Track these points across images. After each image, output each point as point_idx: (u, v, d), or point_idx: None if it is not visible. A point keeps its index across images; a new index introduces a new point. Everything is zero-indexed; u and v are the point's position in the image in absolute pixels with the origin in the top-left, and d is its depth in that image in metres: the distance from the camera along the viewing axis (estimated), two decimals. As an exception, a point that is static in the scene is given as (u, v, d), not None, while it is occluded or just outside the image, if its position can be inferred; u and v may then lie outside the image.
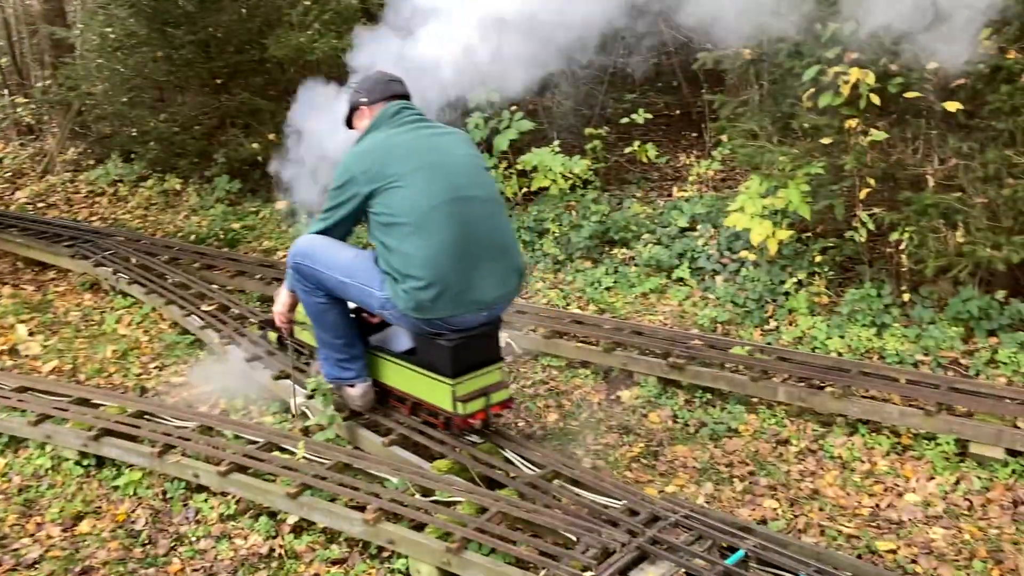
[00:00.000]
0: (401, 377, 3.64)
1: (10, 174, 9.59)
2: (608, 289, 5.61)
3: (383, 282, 3.33)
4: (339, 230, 3.48)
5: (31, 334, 5.27)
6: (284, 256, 6.58)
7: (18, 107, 10.86)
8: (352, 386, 3.72)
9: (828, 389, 4.01)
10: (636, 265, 5.77)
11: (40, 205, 8.43)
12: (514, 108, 6.54)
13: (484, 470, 3.37)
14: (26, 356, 5.02)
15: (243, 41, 7.87)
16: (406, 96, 3.54)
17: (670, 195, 7.01)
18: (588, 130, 6.95)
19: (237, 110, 8.09)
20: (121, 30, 8.35)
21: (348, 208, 3.35)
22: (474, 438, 3.61)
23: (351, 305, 3.67)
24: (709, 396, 4.32)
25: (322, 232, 3.49)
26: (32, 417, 3.97)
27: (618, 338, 4.63)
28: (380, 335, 3.81)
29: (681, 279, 5.57)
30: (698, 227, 5.86)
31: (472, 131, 6.52)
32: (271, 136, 7.51)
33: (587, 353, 4.67)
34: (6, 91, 11.34)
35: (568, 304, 5.51)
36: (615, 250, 5.98)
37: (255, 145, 7.70)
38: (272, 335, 4.52)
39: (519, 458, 3.48)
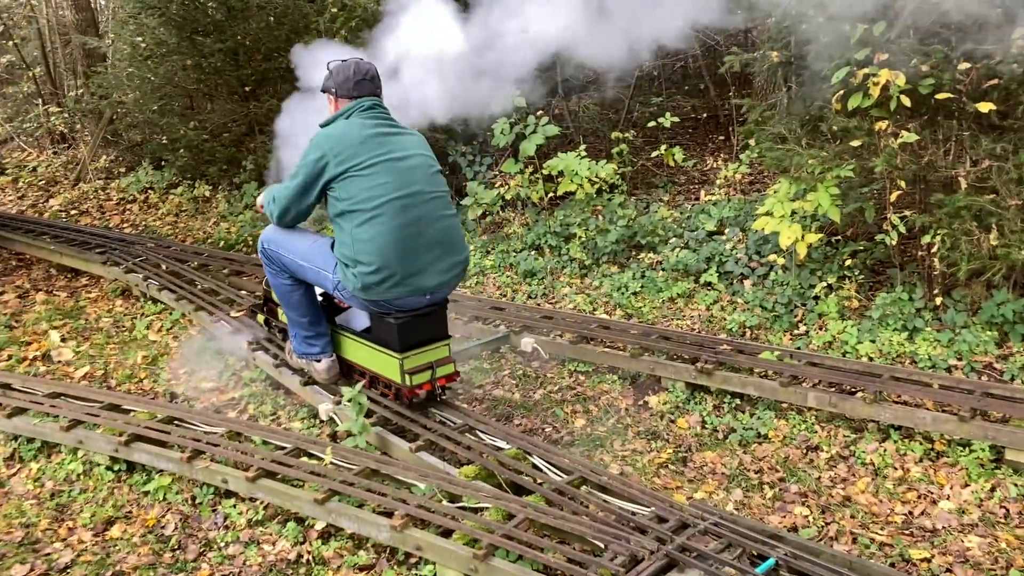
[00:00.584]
0: (360, 353, 4.04)
1: (44, 182, 9.75)
2: (635, 294, 5.58)
3: (336, 266, 3.73)
4: (298, 200, 3.74)
5: (63, 340, 5.33)
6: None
7: (52, 116, 11.03)
8: (318, 360, 4.14)
9: (859, 394, 3.96)
10: (663, 269, 5.74)
11: (73, 212, 8.55)
12: (540, 113, 6.54)
13: (511, 476, 3.36)
14: (59, 362, 5.08)
15: (271, 49, 7.93)
16: (376, 93, 3.81)
17: (697, 199, 6.97)
18: (614, 134, 6.93)
19: (265, 117, 8.15)
20: (151, 39, 8.45)
21: (312, 179, 3.65)
22: (502, 444, 3.61)
23: (319, 289, 4.05)
24: (738, 401, 4.28)
25: (284, 200, 3.78)
26: (64, 422, 4.01)
27: (646, 343, 4.60)
28: (344, 315, 4.22)
29: (709, 283, 5.53)
30: (726, 231, 5.81)
31: (498, 136, 6.52)
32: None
33: (614, 358, 4.64)
34: (40, 100, 11.52)
35: (595, 309, 5.49)
36: (642, 254, 5.95)
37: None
38: (260, 317, 4.83)
39: (546, 464, 3.47)
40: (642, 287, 5.62)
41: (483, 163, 7.07)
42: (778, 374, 4.17)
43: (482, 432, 3.76)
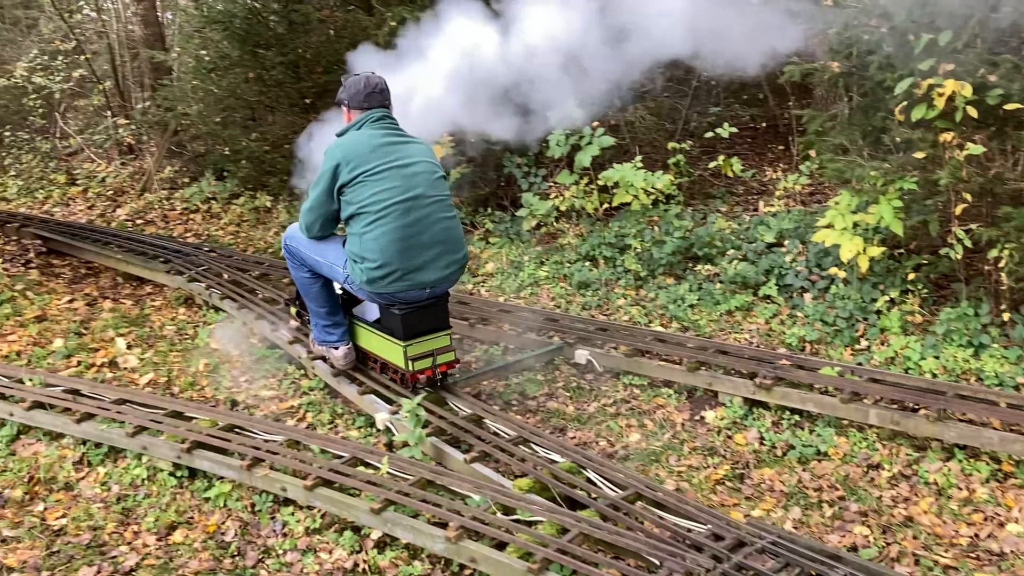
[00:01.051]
0: (372, 341, 4.44)
1: (112, 192, 10.03)
2: (692, 306, 5.53)
3: (346, 262, 4.12)
4: (323, 208, 4.13)
5: (129, 347, 5.48)
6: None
7: (120, 128, 11.33)
8: (336, 348, 4.56)
9: (922, 412, 3.87)
10: (721, 282, 5.68)
11: (139, 222, 8.78)
12: (595, 124, 6.53)
13: (565, 490, 3.36)
14: (124, 368, 5.22)
15: (331, 62, 8.05)
16: (386, 105, 4.18)
17: (756, 210, 6.89)
18: (671, 144, 6.89)
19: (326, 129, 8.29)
20: (215, 52, 8.65)
21: (329, 186, 4.04)
22: (556, 457, 3.61)
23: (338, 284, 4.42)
24: (797, 418, 4.21)
25: (311, 210, 4.18)
26: (130, 428, 4.12)
27: (702, 357, 4.56)
28: (359, 307, 4.55)
29: (768, 296, 5.46)
30: (785, 243, 5.74)
31: (553, 148, 6.53)
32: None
33: (670, 372, 4.61)
34: (109, 113, 11.86)
35: (650, 321, 5.45)
36: (699, 266, 5.89)
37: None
38: (292, 310, 5.17)
39: (601, 478, 3.46)
40: (699, 299, 5.57)
41: (538, 174, 7.09)
42: (839, 390, 4.10)
43: (536, 444, 3.77)
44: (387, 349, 4.30)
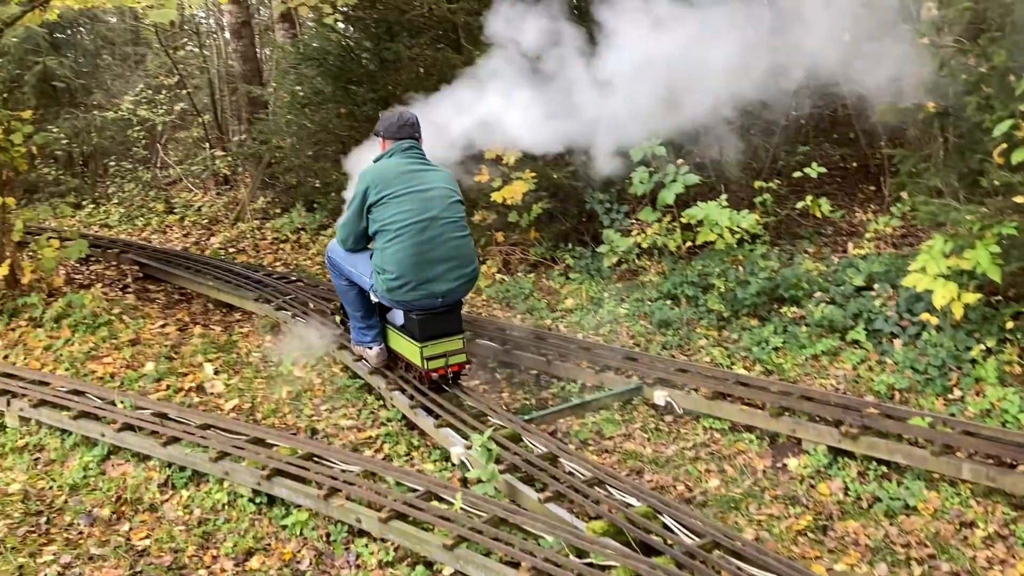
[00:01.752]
0: (398, 343, 4.95)
1: (207, 221, 10.40)
2: (776, 349, 5.39)
3: (372, 272, 4.69)
4: (353, 225, 4.72)
5: (216, 372, 5.63)
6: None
7: (217, 159, 11.78)
8: (371, 348, 5.08)
9: (1021, 469, 3.68)
10: (807, 325, 5.53)
11: (231, 250, 9.07)
12: (680, 161, 6.48)
13: (640, 535, 3.30)
14: (211, 393, 5.36)
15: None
16: (415, 137, 4.73)
17: (845, 252, 6.72)
18: (758, 183, 6.78)
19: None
20: (309, 88, 8.93)
21: (360, 205, 4.62)
22: (632, 500, 3.55)
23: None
24: (885, 469, 4.05)
25: (345, 226, 4.79)
26: (213, 453, 4.22)
27: (786, 402, 4.44)
28: (390, 313, 5.02)
29: (856, 341, 5.29)
30: (875, 286, 5.56)
31: (636, 184, 6.50)
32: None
33: (752, 416, 4.50)
34: (207, 145, 12.35)
35: (733, 364, 5.34)
36: (784, 308, 5.76)
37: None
38: (337, 318, 5.74)
39: (677, 524, 3.38)
40: (783, 342, 5.43)
41: (620, 210, 7.06)
42: (930, 442, 3.93)
43: (612, 486, 3.71)
44: (408, 350, 4.80)
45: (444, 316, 4.66)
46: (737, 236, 6.21)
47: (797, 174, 6.81)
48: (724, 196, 6.46)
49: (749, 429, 4.55)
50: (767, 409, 4.44)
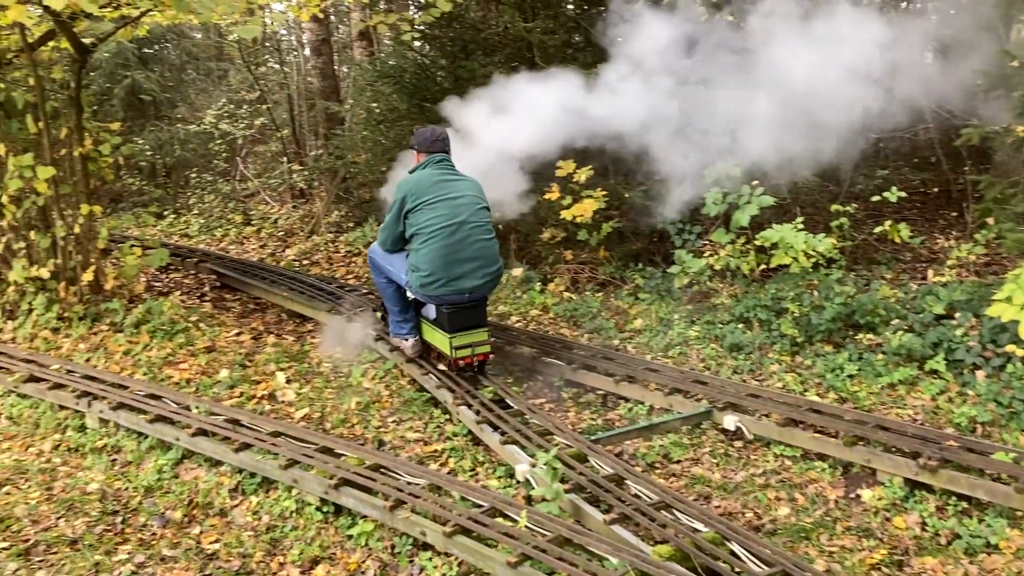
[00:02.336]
0: (432, 335, 5.42)
1: (283, 233, 10.63)
2: (851, 377, 5.25)
3: (407, 271, 5.23)
4: (392, 229, 5.27)
5: (288, 381, 5.73)
6: (517, 321, 6.77)
7: (294, 173, 12.04)
8: (407, 339, 5.57)
9: (1113, 511, 3.51)
10: (883, 353, 5.38)
11: (305, 262, 9.25)
12: (755, 183, 6.39)
13: (707, 561, 3.24)
14: (282, 402, 5.46)
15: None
16: (446, 149, 5.28)
17: (924, 279, 6.53)
18: (835, 206, 6.64)
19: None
20: (385, 105, 9.08)
21: (398, 212, 5.17)
22: (699, 526, 3.49)
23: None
24: (965, 505, 3.90)
25: (385, 229, 5.34)
26: (283, 461, 4.28)
27: (861, 431, 4.31)
28: (425, 308, 5.46)
29: (935, 371, 5.12)
30: (956, 315, 5.38)
31: (709, 206, 6.43)
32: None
33: (825, 445, 4.38)
34: (285, 159, 12.63)
35: (805, 390, 5.22)
36: (860, 335, 5.61)
37: (496, 214, 8.02)
38: (378, 314, 6.23)
39: (745, 552, 3.31)
40: (859, 370, 5.29)
41: (692, 231, 6.99)
42: (1013, 478, 3.78)
43: (679, 511, 3.66)
44: (439, 340, 5.29)
45: (471, 310, 5.17)
46: (812, 260, 6.09)
47: (875, 198, 6.65)
48: (800, 219, 6.34)
49: (821, 457, 4.43)
50: (841, 438, 4.33)
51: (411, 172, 5.26)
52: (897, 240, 6.45)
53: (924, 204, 8.50)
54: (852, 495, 4.13)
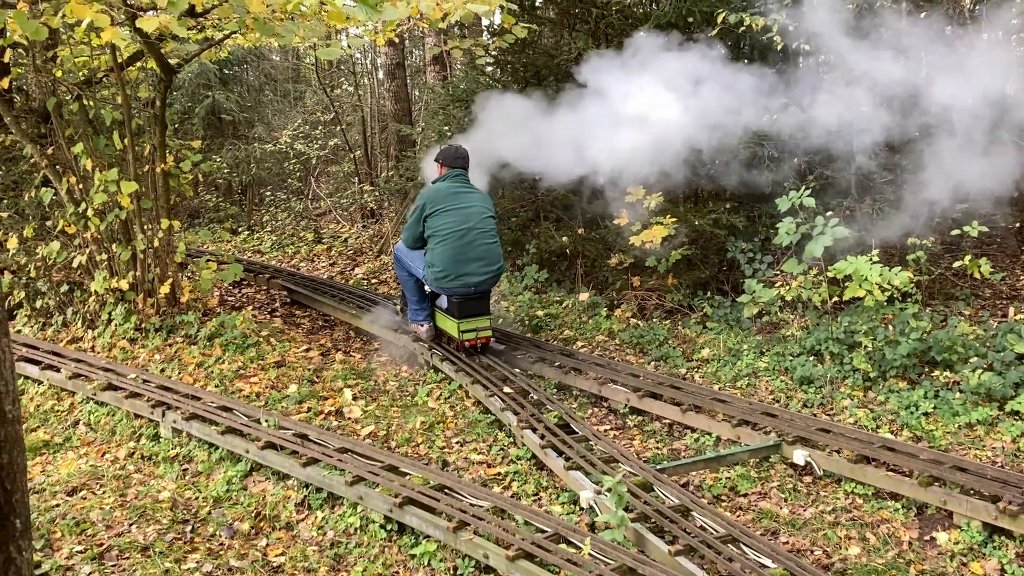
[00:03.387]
0: (443, 321, 6.31)
1: (352, 252, 10.80)
2: (926, 415, 5.10)
3: (424, 266, 6.13)
4: (413, 230, 6.17)
5: (355, 398, 5.80)
6: (583, 346, 6.75)
7: (365, 194, 12.24)
8: (423, 325, 6.44)
9: None
10: (961, 391, 5.22)
11: (373, 281, 9.38)
12: (830, 213, 6.27)
13: (775, 598, 3.16)
14: (348, 419, 5.52)
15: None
16: (464, 166, 6.22)
17: (1005, 316, 6.32)
18: (911, 239, 6.49)
19: (551, 205, 8.53)
20: (456, 128, 9.16)
21: (419, 216, 6.11)
22: (766, 561, 3.42)
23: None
24: (1047, 553, 3.75)
25: (408, 230, 6.23)
26: (349, 477, 4.33)
27: (937, 472, 4.18)
28: (439, 300, 6.33)
29: (1016, 412, 4.95)
30: (1040, 355, 5.20)
31: (781, 235, 6.33)
32: (580, 230, 7.83)
33: (898, 484, 4.26)
34: (356, 179, 12.85)
35: (878, 427, 5.09)
36: (936, 372, 5.45)
37: (564, 239, 8.03)
38: (399, 307, 7.05)
39: (815, 591, 3.23)
40: (935, 408, 5.13)
41: (763, 261, 6.89)
42: (1101, 528, 3.62)
43: (745, 545, 3.59)
44: (449, 325, 6.18)
45: (476, 300, 6.08)
46: (887, 294, 5.94)
47: (955, 232, 6.47)
48: (875, 251, 6.20)
49: (894, 497, 4.31)
50: (915, 478, 4.20)
51: (433, 183, 6.25)
52: (977, 275, 6.26)
53: (1005, 238, 8.24)
54: (927, 537, 4.00)
